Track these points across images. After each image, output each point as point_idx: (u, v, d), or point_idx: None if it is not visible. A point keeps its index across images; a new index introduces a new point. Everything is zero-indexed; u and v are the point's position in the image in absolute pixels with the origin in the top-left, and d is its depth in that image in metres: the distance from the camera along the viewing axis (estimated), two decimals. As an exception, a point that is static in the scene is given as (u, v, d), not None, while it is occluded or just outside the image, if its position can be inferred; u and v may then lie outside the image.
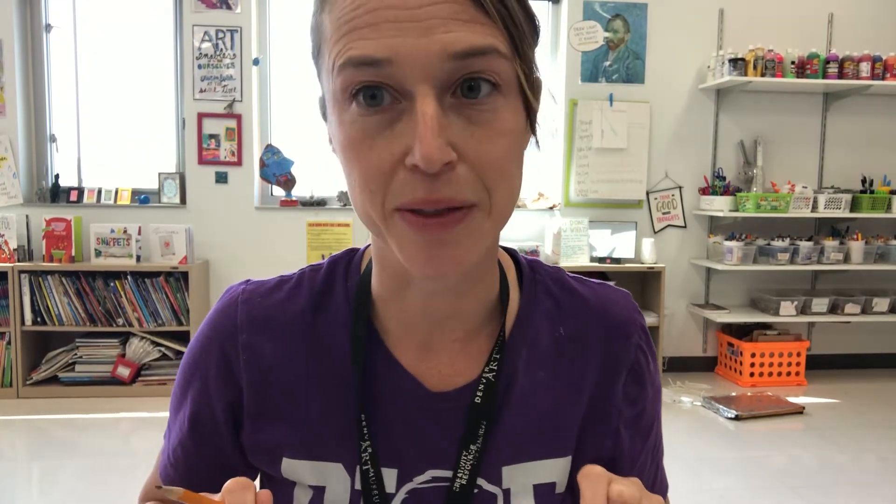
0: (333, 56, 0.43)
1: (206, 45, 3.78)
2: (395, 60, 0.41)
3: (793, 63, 3.83)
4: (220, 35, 3.78)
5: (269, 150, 3.91)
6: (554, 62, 4.07)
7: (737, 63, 3.74)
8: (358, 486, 0.54)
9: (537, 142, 0.53)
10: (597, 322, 0.58)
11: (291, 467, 0.56)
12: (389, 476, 0.54)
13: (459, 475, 0.53)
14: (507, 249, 0.62)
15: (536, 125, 0.51)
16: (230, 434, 0.57)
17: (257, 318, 0.57)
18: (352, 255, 0.60)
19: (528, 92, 0.46)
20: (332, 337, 0.56)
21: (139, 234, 3.65)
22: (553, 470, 0.55)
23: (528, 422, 0.55)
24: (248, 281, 0.60)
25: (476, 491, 0.53)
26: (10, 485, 2.60)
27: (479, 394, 0.54)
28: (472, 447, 0.53)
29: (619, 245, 3.97)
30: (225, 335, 0.57)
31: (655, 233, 4.07)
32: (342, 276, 0.58)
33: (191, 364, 0.59)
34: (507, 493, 0.54)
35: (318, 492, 0.55)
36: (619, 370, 0.58)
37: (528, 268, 0.60)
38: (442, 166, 0.41)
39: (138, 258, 3.64)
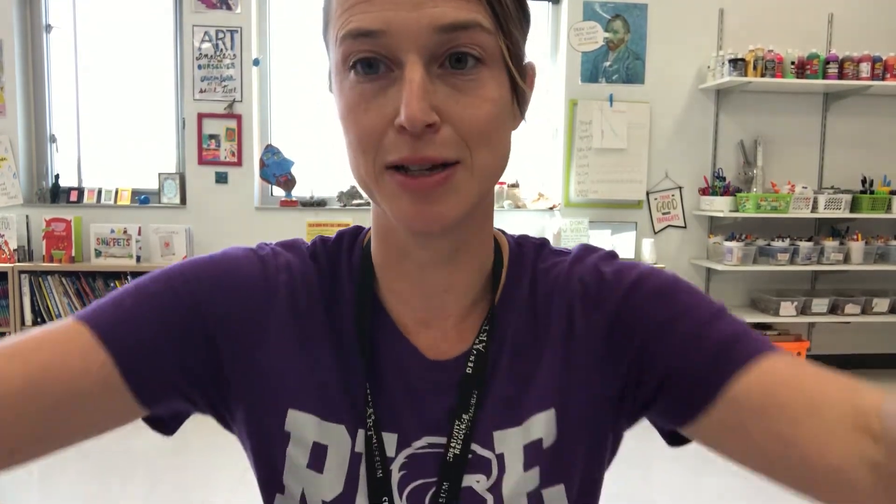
0: (336, 28, 0.48)
1: (207, 45, 3.79)
2: (388, 31, 0.45)
3: (793, 63, 3.84)
4: (221, 35, 3.79)
5: (269, 150, 3.91)
6: (554, 62, 4.08)
7: (737, 63, 3.74)
8: (359, 448, 0.55)
9: (523, 114, 0.55)
10: (561, 283, 0.59)
11: (297, 420, 0.56)
12: (390, 440, 0.56)
13: (453, 444, 0.55)
14: (503, 232, 0.64)
15: (524, 103, 0.54)
16: (205, 352, 0.53)
17: (296, 267, 0.59)
18: (358, 231, 0.63)
19: (513, 66, 0.50)
20: (340, 304, 0.58)
21: (139, 234, 3.66)
22: (538, 426, 0.56)
23: (516, 387, 0.57)
24: (271, 242, 0.62)
25: (471, 456, 0.55)
26: (9, 485, 2.60)
27: (471, 364, 0.56)
28: (464, 416, 0.55)
29: (620, 245, 3.97)
30: (267, 267, 0.57)
31: (655, 233, 4.07)
32: (347, 249, 0.61)
33: (217, 264, 0.56)
34: (500, 457, 0.55)
35: (320, 451, 0.56)
36: (573, 305, 0.57)
37: (515, 244, 0.63)
38: (425, 128, 0.45)
39: (138, 258, 3.64)
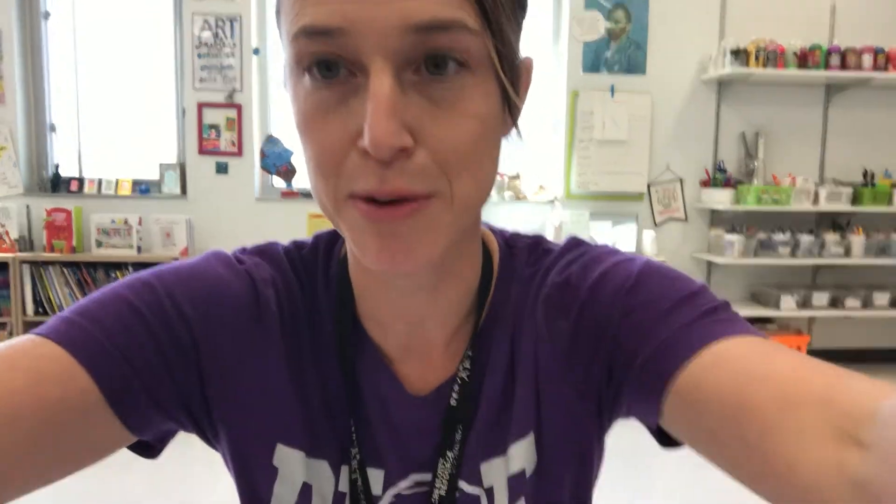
0: (288, 22, 0.40)
1: (206, 33, 3.77)
2: (349, 30, 0.37)
3: (795, 54, 3.82)
4: (220, 24, 3.77)
5: (270, 140, 3.90)
6: (555, 52, 4.06)
7: (738, 54, 3.72)
8: (342, 488, 0.51)
9: (518, 130, 0.47)
10: (534, 292, 0.53)
11: (285, 456, 0.51)
12: (376, 477, 0.52)
13: (438, 485, 0.50)
14: (493, 230, 0.57)
15: (516, 110, 0.45)
16: (186, 371, 0.47)
17: (280, 282, 0.52)
18: (336, 237, 0.55)
19: (502, 73, 0.41)
20: (320, 325, 0.52)
21: (140, 224, 3.65)
22: (518, 455, 0.51)
23: (499, 413, 0.52)
24: (244, 249, 0.55)
25: (458, 495, 0.51)
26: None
27: (455, 396, 0.51)
28: (448, 454, 0.50)
29: (620, 238, 3.97)
30: (257, 284, 0.51)
31: (656, 226, 4.07)
32: (324, 260, 0.54)
33: (202, 276, 0.49)
34: (489, 492, 0.51)
35: (307, 490, 0.51)
36: (539, 316, 0.51)
37: (506, 246, 0.55)
38: (396, 153, 0.38)
39: (139, 249, 3.64)
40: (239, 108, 3.81)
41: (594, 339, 0.48)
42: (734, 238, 3.78)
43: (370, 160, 0.38)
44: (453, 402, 0.51)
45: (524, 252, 0.55)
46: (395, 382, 0.52)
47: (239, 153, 3.85)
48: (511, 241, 0.56)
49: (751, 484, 0.38)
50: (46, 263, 3.55)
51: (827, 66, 3.80)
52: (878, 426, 0.31)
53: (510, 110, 0.45)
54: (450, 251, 0.45)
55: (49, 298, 3.55)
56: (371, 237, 0.41)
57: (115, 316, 0.44)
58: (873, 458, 0.31)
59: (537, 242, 0.56)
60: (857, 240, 3.88)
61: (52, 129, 3.90)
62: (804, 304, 3.88)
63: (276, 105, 3.99)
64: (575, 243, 0.55)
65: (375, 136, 0.36)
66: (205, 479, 2.58)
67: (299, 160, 3.90)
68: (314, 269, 0.54)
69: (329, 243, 0.55)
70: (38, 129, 3.87)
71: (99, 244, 3.62)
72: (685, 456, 0.63)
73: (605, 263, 0.50)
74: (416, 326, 0.51)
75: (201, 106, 3.80)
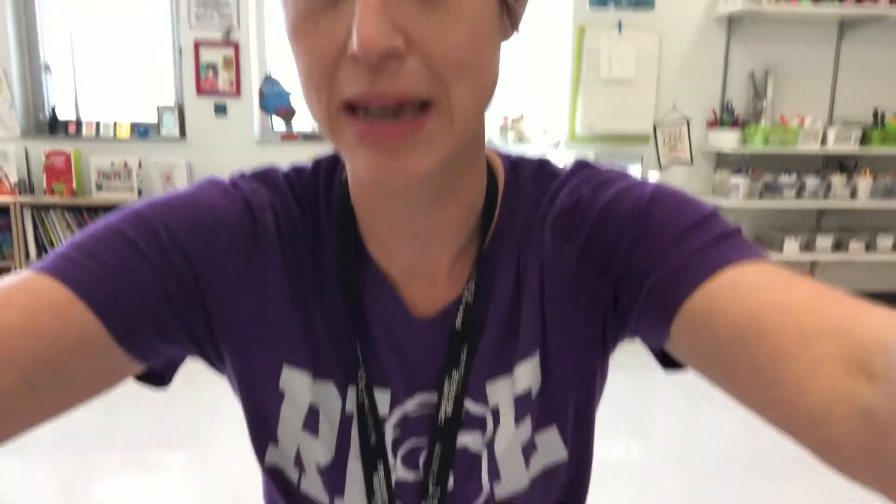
0: None
1: (201, -31, 3.64)
2: None
3: (810, -11, 3.69)
4: (215, -41, 3.64)
5: (269, 81, 3.82)
6: (562, -12, 3.93)
7: (752, -11, 3.60)
8: (349, 408, 0.52)
9: (515, 26, 0.45)
10: (542, 214, 0.52)
11: (291, 378, 0.51)
12: (382, 398, 0.52)
13: (444, 404, 0.51)
14: (500, 153, 0.56)
15: (514, 14, 0.44)
16: (187, 298, 0.47)
17: (278, 206, 0.51)
18: (336, 161, 0.54)
19: None
20: (322, 249, 0.52)
21: (139, 167, 3.62)
22: (524, 375, 0.52)
23: (505, 334, 0.52)
24: (243, 174, 0.54)
25: (464, 417, 0.51)
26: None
27: (459, 318, 0.51)
28: (454, 373, 0.51)
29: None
30: (253, 208, 0.50)
31: (661, 168, 4.02)
32: (325, 183, 0.53)
33: (201, 203, 0.49)
34: (495, 413, 0.52)
35: (314, 412, 0.52)
36: (546, 238, 0.51)
37: (511, 168, 0.54)
38: (386, 56, 0.36)
39: (140, 192, 3.62)
40: (236, 46, 3.72)
41: (603, 261, 0.48)
42: (739, 180, 3.74)
43: (360, 65, 0.36)
44: (458, 325, 0.51)
45: (530, 175, 0.54)
46: (399, 305, 0.51)
47: (237, 94, 3.78)
48: (517, 165, 0.55)
49: (759, 409, 0.38)
50: (47, 207, 3.54)
51: (842, 0, 3.67)
52: (891, 358, 0.31)
53: (509, 14, 0.43)
54: (449, 166, 0.45)
55: (51, 242, 3.56)
56: (366, 155, 0.40)
57: (112, 249, 0.44)
58: (884, 390, 0.31)
59: (542, 165, 0.55)
60: (864, 182, 3.83)
61: (47, 69, 3.82)
62: (807, 247, 3.87)
63: (274, 43, 3.90)
64: (581, 165, 0.54)
65: (363, 35, 0.35)
66: (211, 406, 2.64)
67: (299, 101, 3.83)
68: (314, 192, 0.53)
69: (330, 165, 0.54)
70: (33, 69, 3.79)
71: (99, 187, 3.60)
72: (686, 389, 0.63)
73: (617, 186, 0.50)
74: (418, 247, 0.51)
75: (198, 45, 3.71)
